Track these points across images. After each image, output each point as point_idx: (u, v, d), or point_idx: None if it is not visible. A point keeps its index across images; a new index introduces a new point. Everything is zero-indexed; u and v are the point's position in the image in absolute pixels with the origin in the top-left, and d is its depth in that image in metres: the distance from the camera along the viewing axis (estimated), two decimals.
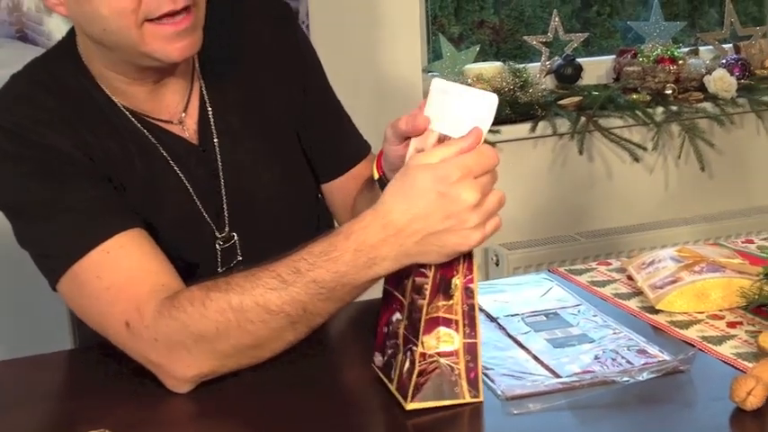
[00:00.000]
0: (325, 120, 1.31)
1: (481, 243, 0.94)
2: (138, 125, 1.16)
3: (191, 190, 1.19)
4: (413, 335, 0.96)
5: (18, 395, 1.08)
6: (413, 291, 0.97)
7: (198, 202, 1.19)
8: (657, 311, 1.16)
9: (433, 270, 0.94)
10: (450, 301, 0.96)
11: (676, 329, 1.11)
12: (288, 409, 1.00)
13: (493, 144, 2.42)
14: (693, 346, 1.06)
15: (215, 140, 1.20)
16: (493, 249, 2.47)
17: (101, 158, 1.12)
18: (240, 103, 1.22)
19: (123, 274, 1.04)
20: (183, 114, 1.19)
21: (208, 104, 1.20)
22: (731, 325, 1.11)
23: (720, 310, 1.15)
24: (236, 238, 1.21)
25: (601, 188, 2.60)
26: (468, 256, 0.97)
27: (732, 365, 1.01)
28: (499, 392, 0.99)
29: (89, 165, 1.10)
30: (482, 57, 2.63)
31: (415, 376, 0.95)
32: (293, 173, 1.27)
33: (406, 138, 1.00)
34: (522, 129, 2.45)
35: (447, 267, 0.96)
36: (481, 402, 0.97)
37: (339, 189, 1.31)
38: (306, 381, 1.05)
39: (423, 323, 0.94)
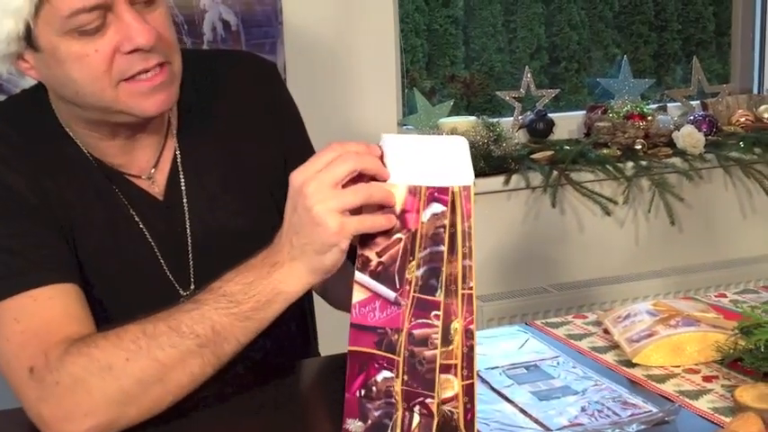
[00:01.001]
0: None
1: (342, 234, 0.95)
2: (105, 177, 1.16)
3: (153, 245, 1.19)
4: (423, 388, 0.95)
5: None
6: (411, 344, 0.96)
7: (160, 258, 1.19)
8: (634, 365, 1.18)
9: (442, 319, 0.95)
10: (450, 347, 0.96)
11: (653, 383, 1.13)
12: None
13: None
14: (671, 401, 1.07)
15: (183, 198, 1.20)
16: None
17: (57, 206, 1.12)
18: (215, 161, 1.23)
19: (41, 322, 1.04)
20: (153, 170, 1.20)
21: (179, 161, 1.21)
22: (707, 379, 1.13)
23: (696, 364, 1.17)
24: None
25: (573, 241, 2.63)
26: (467, 299, 0.97)
27: (709, 420, 1.03)
28: None
29: (42, 210, 1.11)
30: (454, 111, 2.68)
31: (434, 428, 0.94)
32: (267, 233, 1.27)
33: None
34: (496, 182, 2.48)
35: (446, 314, 0.96)
36: None
37: None
38: None
39: (438, 373, 0.94)
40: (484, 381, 1.16)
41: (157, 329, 1.00)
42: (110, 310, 1.15)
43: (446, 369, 0.97)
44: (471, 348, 0.98)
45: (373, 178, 0.98)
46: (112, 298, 1.16)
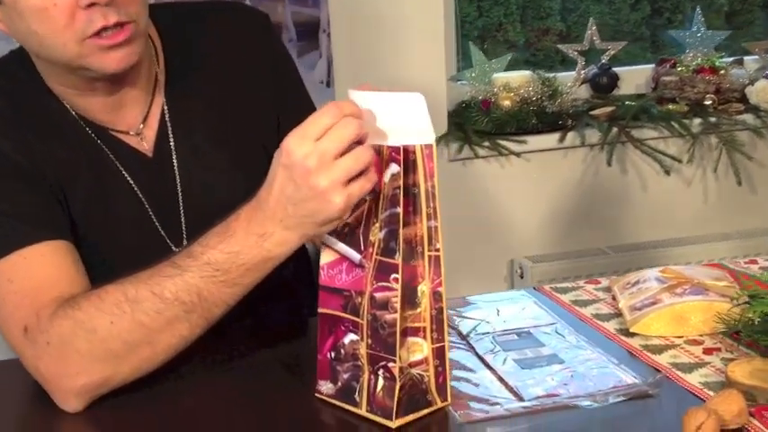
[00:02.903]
0: None
1: (347, 207, 0.92)
2: (92, 134, 1.15)
3: (145, 203, 1.17)
4: (385, 352, 0.93)
5: None
6: (373, 307, 0.93)
7: (152, 215, 1.18)
8: (634, 334, 1.11)
9: (400, 282, 0.91)
10: (418, 309, 0.94)
11: (648, 354, 1.06)
12: None
13: (518, 155, 2.39)
14: (659, 371, 1.01)
15: (173, 154, 1.19)
16: (518, 262, 2.42)
17: (45, 165, 1.12)
18: (204, 116, 1.21)
19: (34, 281, 1.03)
20: (142, 126, 1.18)
21: (167, 117, 1.19)
22: (708, 351, 1.06)
23: (701, 335, 1.09)
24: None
25: (634, 201, 2.52)
26: (435, 260, 0.94)
27: (696, 395, 0.96)
28: (457, 417, 0.95)
29: (28, 169, 1.10)
30: (549, 64, 2.57)
31: (397, 392, 0.92)
32: (258, 186, 1.25)
33: None
34: (551, 139, 2.40)
35: (410, 276, 0.93)
36: (449, 406, 0.96)
37: None
38: (254, 420, 1.00)
39: (398, 337, 0.92)
40: (470, 346, 1.11)
41: (139, 294, 0.98)
42: (102, 269, 1.15)
43: (414, 332, 0.94)
44: (440, 311, 0.95)
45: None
46: (104, 256, 1.15)
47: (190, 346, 1.03)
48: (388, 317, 0.92)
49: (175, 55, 1.21)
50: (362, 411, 0.96)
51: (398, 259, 0.91)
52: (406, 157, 0.91)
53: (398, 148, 0.90)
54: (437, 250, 0.94)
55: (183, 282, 0.97)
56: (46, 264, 1.05)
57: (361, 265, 0.95)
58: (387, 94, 0.92)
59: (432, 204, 0.94)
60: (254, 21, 1.27)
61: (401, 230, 0.91)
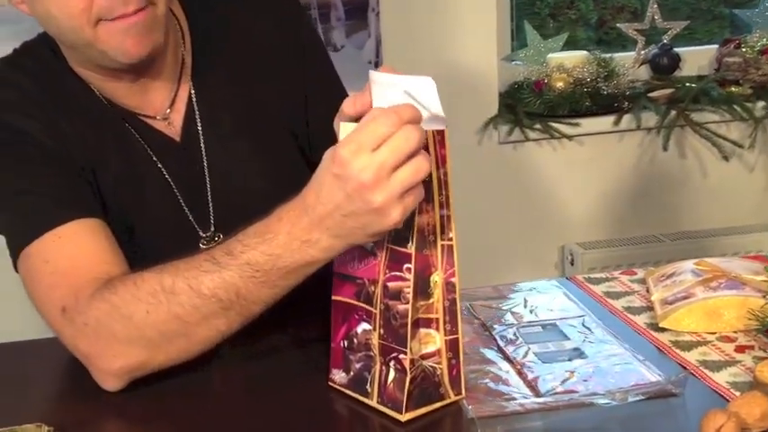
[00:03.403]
0: (326, 116, 1.26)
1: (402, 220, 0.86)
2: (120, 118, 1.15)
3: (173, 187, 1.17)
4: (397, 343, 0.90)
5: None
6: (386, 297, 0.91)
7: (180, 199, 1.17)
8: (664, 329, 1.06)
9: (413, 273, 0.89)
10: (430, 300, 0.91)
11: (677, 350, 1.01)
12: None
13: (570, 138, 2.33)
14: (686, 368, 0.96)
15: (201, 138, 1.18)
16: (568, 248, 2.37)
17: (75, 148, 1.12)
18: (232, 102, 1.19)
19: (69, 261, 1.03)
20: (169, 111, 1.17)
21: (195, 102, 1.18)
22: (740, 349, 1.00)
23: (735, 332, 1.04)
24: (221, 238, 1.18)
25: (693, 187, 2.44)
26: (448, 250, 0.91)
27: (722, 395, 0.91)
28: (469, 411, 0.92)
29: (57, 150, 1.10)
30: (621, 43, 2.47)
31: (407, 385, 0.90)
32: (286, 175, 1.21)
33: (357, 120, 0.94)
34: (605, 122, 2.33)
35: (422, 265, 0.90)
36: (463, 400, 0.93)
37: None
38: (268, 409, 0.99)
39: (409, 328, 0.89)
40: (492, 337, 1.08)
41: (176, 286, 0.96)
42: (131, 251, 1.15)
43: (427, 323, 0.92)
44: (454, 302, 0.92)
45: None
46: (133, 239, 1.15)
47: None
48: (401, 307, 0.90)
49: (203, 39, 1.20)
50: (373, 403, 0.94)
51: (411, 248, 0.88)
52: None
53: None
54: (450, 240, 0.91)
55: (221, 279, 0.94)
56: (80, 243, 1.05)
57: (372, 253, 0.93)
58: (402, 77, 0.89)
59: (444, 193, 0.90)
60: (283, 5, 1.25)
61: (416, 218, 0.88)
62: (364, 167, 0.83)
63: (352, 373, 0.97)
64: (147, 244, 1.12)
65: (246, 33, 1.21)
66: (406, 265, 0.89)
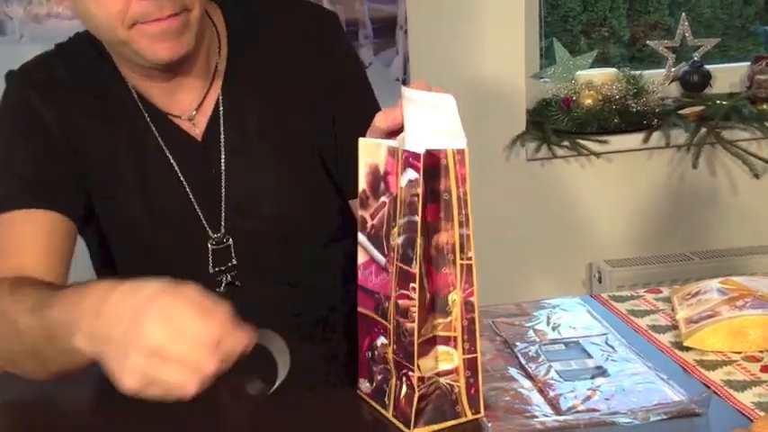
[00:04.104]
0: (351, 135, 1.27)
1: (129, 392, 0.83)
2: (147, 116, 1.18)
3: (185, 185, 1.19)
4: (406, 360, 0.91)
5: None
6: (397, 314, 0.91)
7: (192, 198, 1.19)
8: (688, 348, 1.05)
9: (418, 292, 0.89)
10: (448, 318, 0.91)
11: (702, 370, 1.00)
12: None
13: (598, 155, 2.31)
14: (709, 387, 0.95)
15: (221, 142, 1.19)
16: (596, 265, 2.35)
17: (83, 141, 1.16)
18: (257, 108, 1.21)
19: (5, 244, 1.10)
20: (195, 112, 1.20)
21: (221, 107, 1.20)
22: (765, 369, 0.99)
23: (761, 351, 1.03)
24: (230, 241, 1.20)
25: (723, 205, 2.42)
26: (467, 269, 0.91)
27: (745, 415, 0.90)
28: (489, 429, 0.92)
29: (61, 145, 1.16)
30: (655, 60, 2.46)
31: (415, 402, 0.90)
32: (305, 188, 1.23)
33: (390, 135, 0.95)
34: (634, 139, 2.31)
35: (441, 284, 0.90)
36: (483, 418, 0.92)
37: None
38: (293, 411, 0.99)
39: (416, 347, 0.89)
40: (514, 354, 1.08)
41: (7, 309, 0.99)
42: (141, 250, 1.19)
43: (444, 341, 0.92)
44: (472, 321, 0.92)
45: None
46: (144, 238, 1.18)
47: None
48: (408, 325, 0.90)
49: (239, 48, 1.22)
50: (389, 415, 0.94)
51: (415, 268, 0.88)
52: (438, 162, 0.88)
53: (418, 155, 0.87)
54: (469, 259, 0.91)
55: (30, 322, 0.96)
56: (24, 232, 1.11)
57: (385, 269, 0.93)
58: (427, 94, 0.89)
59: (464, 212, 0.90)
60: (322, 21, 1.26)
61: (419, 239, 0.87)
62: (153, 334, 0.81)
63: (374, 384, 0.98)
64: (157, 241, 1.15)
65: (283, 46, 1.23)
66: (411, 285, 0.89)
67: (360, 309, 0.98)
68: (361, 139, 0.93)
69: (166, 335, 0.81)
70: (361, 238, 0.97)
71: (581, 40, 2.87)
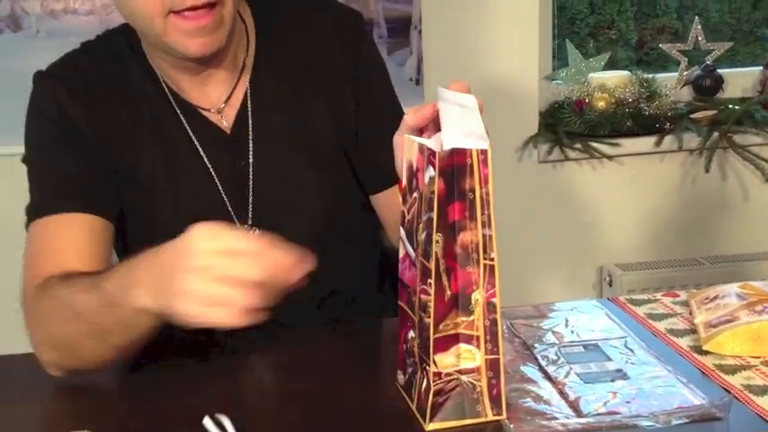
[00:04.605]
0: (379, 135, 1.28)
1: (191, 320, 0.89)
2: (176, 109, 1.20)
3: (215, 176, 1.20)
4: (425, 354, 0.92)
5: (5, 392, 1.10)
6: (419, 309, 0.93)
7: (221, 189, 1.21)
8: (707, 352, 1.05)
9: (434, 287, 0.90)
10: (471, 317, 0.91)
11: (721, 374, 1.00)
12: (303, 424, 0.97)
13: (610, 158, 2.31)
14: (730, 392, 0.95)
15: (250, 134, 1.21)
16: (606, 269, 2.35)
17: (111, 134, 1.18)
18: (283, 102, 1.23)
19: (45, 248, 1.11)
20: (224, 105, 1.21)
21: (249, 100, 1.22)
22: None
23: None
24: (257, 232, 1.20)
25: (735, 210, 2.42)
26: (489, 270, 0.92)
27: (766, 420, 0.90)
28: (510, 429, 0.92)
29: (89, 138, 1.17)
30: (662, 64, 2.46)
31: (431, 396, 0.91)
32: (328, 182, 1.25)
33: (420, 132, 0.97)
34: (646, 142, 2.32)
35: (464, 282, 0.91)
36: (505, 419, 0.92)
37: (385, 201, 1.28)
38: (331, 398, 1.02)
39: (432, 342, 0.90)
40: (534, 357, 1.08)
41: (63, 296, 1.02)
42: (168, 239, 1.19)
43: (467, 339, 0.92)
44: (494, 322, 0.92)
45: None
46: (171, 227, 1.18)
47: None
48: (426, 320, 0.91)
49: (267, 43, 1.24)
50: (414, 407, 0.96)
51: (432, 264, 0.89)
52: (464, 161, 0.89)
53: (434, 152, 0.88)
54: (491, 260, 0.91)
55: (87, 300, 0.99)
56: (62, 235, 1.12)
57: (414, 264, 0.94)
58: (453, 93, 0.90)
59: (486, 212, 0.91)
60: (349, 20, 1.28)
61: (434, 236, 0.88)
62: (200, 259, 0.87)
63: (407, 376, 0.99)
64: (180, 226, 1.15)
65: (309, 43, 1.25)
66: (428, 280, 0.90)
67: (399, 302, 1.00)
68: (407, 137, 0.95)
69: (218, 255, 0.87)
70: (401, 232, 0.98)
71: (588, 42, 2.87)
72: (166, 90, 1.20)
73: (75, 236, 1.12)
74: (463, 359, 0.92)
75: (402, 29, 2.22)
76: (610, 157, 2.31)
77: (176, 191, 1.20)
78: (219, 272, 0.87)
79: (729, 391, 0.96)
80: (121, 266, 0.98)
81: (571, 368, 1.04)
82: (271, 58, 1.23)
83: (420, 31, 2.21)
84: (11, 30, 2.07)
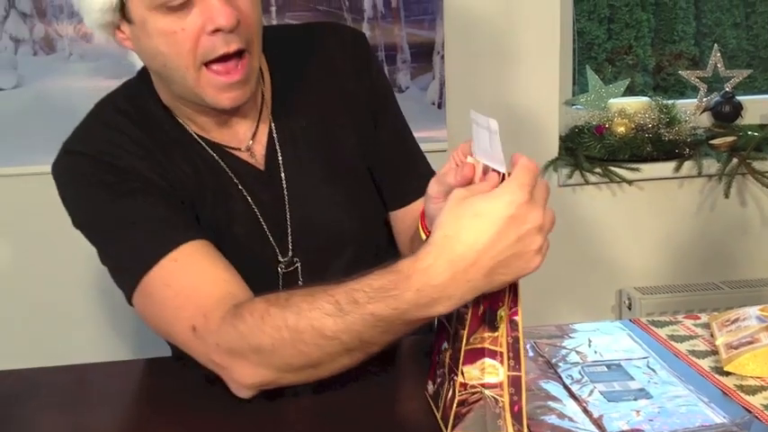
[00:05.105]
0: (394, 153, 1.32)
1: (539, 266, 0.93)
2: (209, 150, 1.21)
3: (257, 213, 1.22)
4: (455, 364, 0.96)
5: (91, 398, 1.15)
6: (456, 321, 0.97)
7: (264, 225, 1.23)
8: (729, 373, 1.07)
9: (472, 301, 0.93)
10: (496, 333, 0.95)
11: (742, 394, 1.02)
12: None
13: (630, 182, 2.34)
14: (751, 411, 0.97)
15: (281, 168, 1.24)
16: (626, 292, 2.37)
17: (174, 180, 1.18)
18: (308, 133, 1.26)
19: (191, 281, 1.07)
20: (251, 142, 1.24)
21: (275, 134, 1.24)
22: None
23: None
24: (298, 262, 1.24)
25: (754, 235, 2.43)
26: (513, 288, 0.95)
27: None
28: None
29: (162, 185, 1.16)
30: (680, 90, 2.48)
31: (455, 405, 0.94)
32: (358, 202, 1.28)
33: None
34: (666, 168, 2.34)
35: (493, 298, 0.94)
36: None
37: (403, 217, 1.32)
38: (362, 406, 1.06)
39: (462, 353, 0.94)
40: (558, 375, 1.10)
41: (300, 324, 0.98)
42: None
43: (492, 354, 0.95)
44: (516, 340, 0.95)
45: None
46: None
47: None
48: (461, 332, 0.95)
49: (280, 76, 1.27)
50: (439, 415, 0.99)
51: None
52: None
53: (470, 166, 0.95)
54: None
55: (344, 324, 0.96)
56: (197, 262, 1.09)
57: None
58: (478, 116, 0.94)
59: None
60: (351, 40, 1.31)
61: None
62: (536, 209, 0.91)
63: (435, 386, 1.02)
64: (234, 264, 1.15)
65: (319, 67, 1.28)
66: None
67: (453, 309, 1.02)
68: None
69: (525, 205, 0.90)
70: None
71: (606, 67, 2.89)
72: (194, 134, 1.21)
73: (209, 260, 1.10)
74: (487, 373, 0.95)
75: (425, 54, 2.26)
76: (629, 182, 2.34)
77: (230, 226, 1.21)
78: (542, 220, 0.92)
79: (750, 411, 0.98)
80: (370, 290, 0.95)
81: (595, 387, 1.06)
82: (288, 89, 1.26)
83: (443, 57, 2.25)
84: (44, 52, 2.12)
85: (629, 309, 2.34)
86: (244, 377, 1.03)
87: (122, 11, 1.10)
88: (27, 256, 2.20)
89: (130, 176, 1.15)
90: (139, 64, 1.21)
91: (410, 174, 1.31)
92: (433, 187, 1.07)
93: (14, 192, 2.15)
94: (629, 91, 2.51)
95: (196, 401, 1.09)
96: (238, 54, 1.11)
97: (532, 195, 0.91)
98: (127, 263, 1.12)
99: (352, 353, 0.99)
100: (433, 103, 2.27)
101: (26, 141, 2.13)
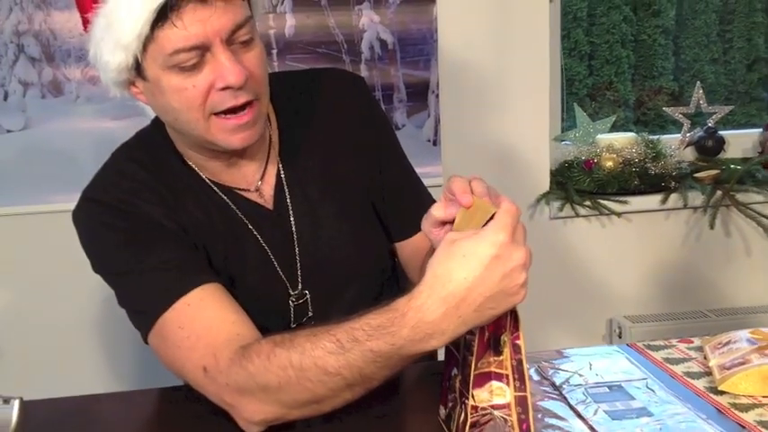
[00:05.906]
0: (399, 191, 1.39)
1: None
2: (220, 193, 1.27)
3: (268, 251, 1.28)
4: (465, 388, 1.02)
5: (106, 428, 1.20)
6: (464, 348, 1.03)
7: (275, 262, 1.29)
8: (722, 392, 1.15)
9: (478, 328, 1.00)
10: (501, 357, 1.01)
11: (736, 412, 1.10)
12: None
13: (619, 215, 2.43)
14: (744, 427, 1.04)
15: (289, 207, 1.30)
16: (617, 321, 2.44)
17: (188, 225, 1.23)
18: (315, 172, 1.32)
19: (202, 324, 1.13)
20: (260, 183, 1.30)
21: (283, 174, 1.30)
22: None
23: None
24: (308, 295, 1.31)
25: (738, 265, 2.52)
26: (513, 314, 1.02)
27: None
28: None
29: (176, 230, 1.21)
30: (659, 124, 2.57)
31: (467, 428, 1.01)
32: (365, 236, 1.35)
33: (444, 223, 1.07)
34: (653, 200, 2.43)
35: (496, 325, 1.01)
36: None
37: (408, 248, 1.39)
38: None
39: (472, 378, 1.00)
40: (563, 396, 1.17)
41: (304, 363, 1.04)
42: None
43: (499, 377, 1.02)
44: (520, 362, 1.02)
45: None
46: (235, 297, 1.27)
47: None
48: (469, 358, 1.01)
49: (286, 119, 1.33)
50: None
51: None
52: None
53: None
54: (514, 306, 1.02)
55: (345, 361, 1.02)
56: (208, 306, 1.15)
57: None
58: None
59: None
60: (352, 84, 1.38)
61: None
62: (518, 247, 0.98)
63: (447, 410, 1.09)
64: (245, 300, 1.21)
65: (323, 110, 1.34)
66: None
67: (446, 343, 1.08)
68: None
69: (509, 245, 0.97)
70: None
71: (588, 103, 2.99)
72: (205, 179, 1.27)
73: (220, 302, 1.15)
74: (495, 395, 1.01)
75: (420, 93, 2.34)
76: (618, 214, 2.42)
77: (241, 266, 1.27)
78: (525, 258, 0.98)
79: (744, 427, 1.05)
80: (369, 328, 1.01)
81: (599, 406, 1.13)
82: (294, 131, 1.33)
83: (437, 96, 2.34)
84: (52, 95, 2.19)
85: (620, 337, 2.41)
86: (252, 414, 1.09)
87: (137, 69, 1.15)
88: (34, 291, 2.25)
89: (145, 223, 1.20)
90: (148, 108, 1.27)
91: (415, 209, 1.38)
92: (424, 225, 1.12)
93: (23, 229, 2.21)
94: (612, 125, 2.61)
95: (209, 429, 1.14)
96: (246, 104, 1.17)
97: (514, 236, 0.98)
98: (143, 306, 1.18)
99: (353, 388, 1.05)
100: (429, 140, 2.35)
101: (33, 181, 2.20)
